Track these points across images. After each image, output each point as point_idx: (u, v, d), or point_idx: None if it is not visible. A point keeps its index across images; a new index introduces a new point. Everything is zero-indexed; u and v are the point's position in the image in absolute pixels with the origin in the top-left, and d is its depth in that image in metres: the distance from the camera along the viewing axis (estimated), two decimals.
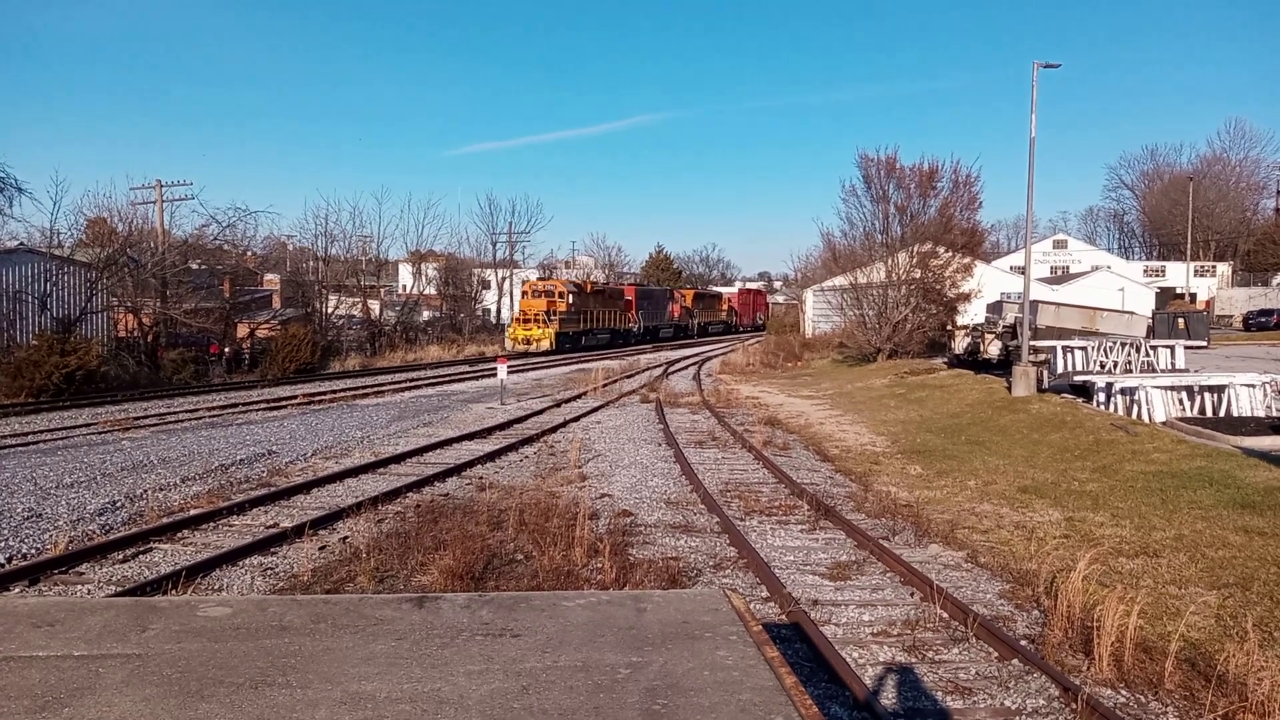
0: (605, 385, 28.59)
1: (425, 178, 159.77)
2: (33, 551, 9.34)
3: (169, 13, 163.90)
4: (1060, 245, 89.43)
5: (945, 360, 32.97)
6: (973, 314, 38.10)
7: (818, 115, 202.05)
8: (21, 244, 35.15)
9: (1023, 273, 25.67)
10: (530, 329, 49.46)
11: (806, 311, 58.55)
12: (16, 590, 8.07)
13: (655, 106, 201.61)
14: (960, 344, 32.36)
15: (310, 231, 62.66)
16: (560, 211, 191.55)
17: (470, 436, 17.77)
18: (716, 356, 47.76)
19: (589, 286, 58.09)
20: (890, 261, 36.19)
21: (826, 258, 44.71)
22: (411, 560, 8.73)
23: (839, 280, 40.34)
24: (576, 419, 20.78)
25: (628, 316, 62.48)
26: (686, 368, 39.43)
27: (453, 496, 12.10)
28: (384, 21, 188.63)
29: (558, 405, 23.82)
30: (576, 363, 42.79)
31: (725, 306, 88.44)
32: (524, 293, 53.73)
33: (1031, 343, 22.58)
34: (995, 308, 32.86)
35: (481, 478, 13.51)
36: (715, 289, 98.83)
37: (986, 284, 42.09)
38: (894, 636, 6.92)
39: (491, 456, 15.35)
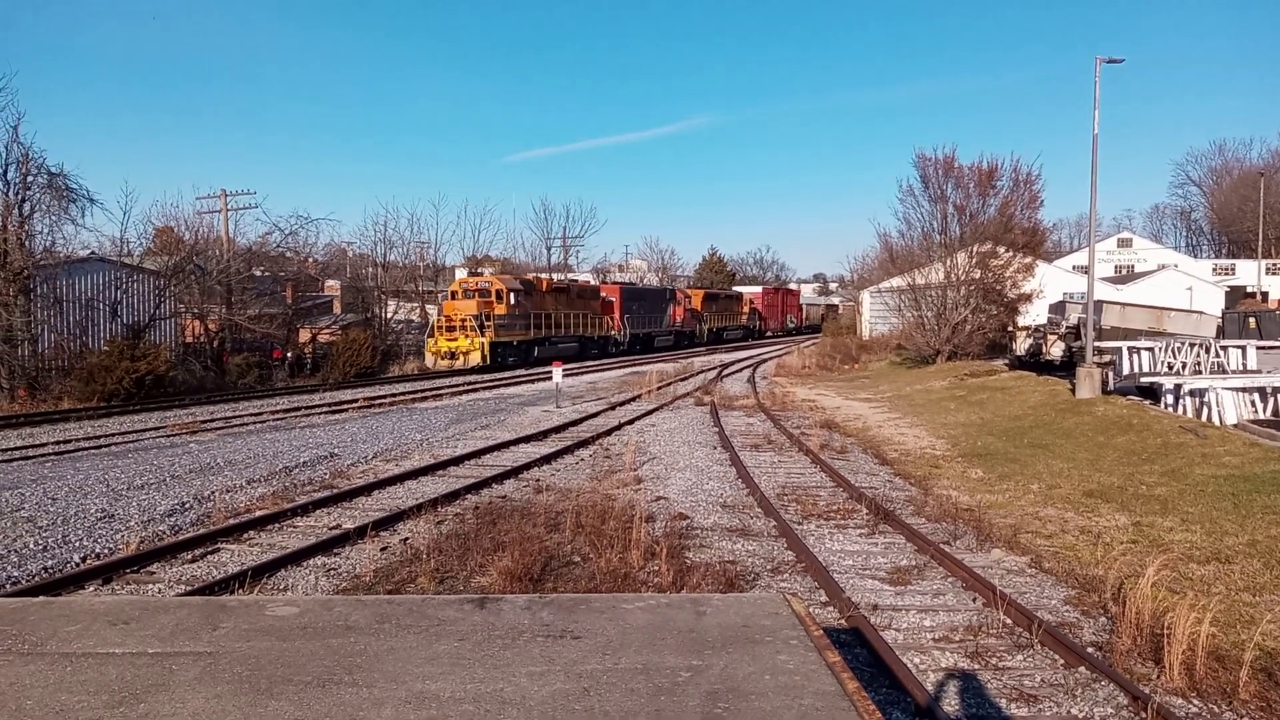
0: (659, 388, 28.62)
1: (481, 184, 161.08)
2: (106, 551, 9.62)
3: (230, 26, 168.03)
4: (1125, 244, 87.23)
5: (1006, 362, 32.45)
6: (1034, 315, 37.39)
7: (873, 115, 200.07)
8: (93, 253, 36.24)
9: (1086, 272, 25.12)
10: (455, 339, 38.77)
11: (863, 313, 57.94)
12: (91, 588, 8.32)
13: (708, 109, 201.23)
14: (1022, 345, 31.86)
15: (369, 238, 63.72)
16: (614, 215, 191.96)
17: (527, 439, 17.90)
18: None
19: (545, 284, 47.03)
20: (949, 262, 35.68)
21: (883, 258, 44.24)
22: (471, 561, 8.82)
23: (896, 281, 39.86)
24: (631, 422, 20.82)
25: (607, 321, 51.51)
26: (739, 371, 39.27)
27: (510, 498, 12.20)
28: (438, 30, 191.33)
29: (612, 408, 23.89)
30: (631, 365, 42.88)
31: (746, 309, 76.93)
32: (451, 293, 42.06)
33: (1096, 343, 22.10)
34: (1058, 308, 32.24)
35: (538, 480, 13.60)
36: (735, 289, 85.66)
37: (1048, 284, 41.27)
38: (956, 642, 6.81)
39: (548, 459, 15.45)
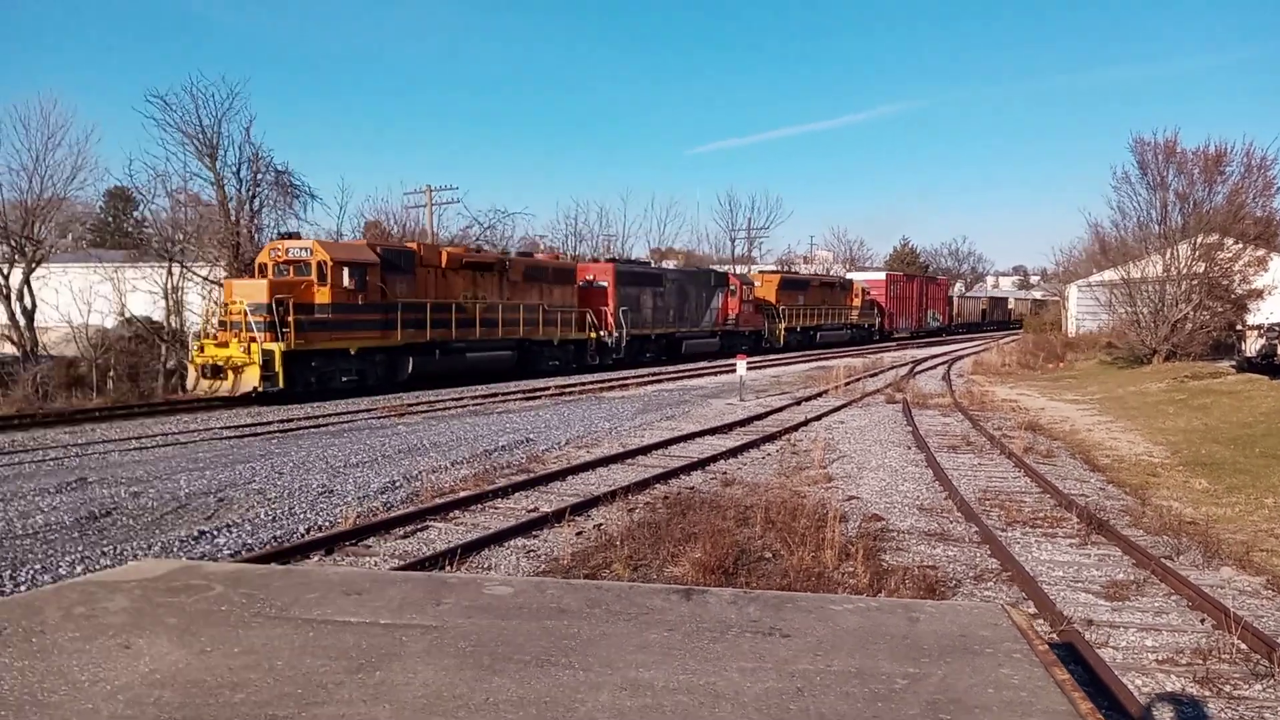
0: (847, 384, 28.04)
1: (667, 176, 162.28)
2: (326, 524, 10.35)
3: (435, 30, 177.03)
4: None
5: (1233, 364, 29.95)
6: (1267, 313, 34.17)
7: (1085, 98, 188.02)
8: None
9: None
10: (228, 343, 22.68)
11: (1069, 308, 54.63)
12: (315, 558, 8.97)
13: (902, 95, 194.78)
14: (1252, 346, 29.41)
15: (561, 231, 65.91)
16: (800, 206, 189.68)
17: (711, 431, 17.95)
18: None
19: (445, 256, 28.40)
20: (1168, 254, 33.07)
21: (1093, 250, 41.56)
22: (663, 550, 8.91)
23: (1107, 274, 37.38)
24: (818, 418, 20.48)
25: (584, 317, 34.16)
26: (927, 370, 37.88)
27: (698, 490, 12.25)
28: (626, 25, 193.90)
29: (797, 403, 23.59)
30: (816, 360, 42.12)
31: (856, 301, 59.15)
32: (259, 267, 25.00)
33: None
34: None
35: (725, 473, 13.60)
36: (845, 276, 66.93)
37: None
38: (1182, 666, 6.29)
39: (734, 452, 15.42)
